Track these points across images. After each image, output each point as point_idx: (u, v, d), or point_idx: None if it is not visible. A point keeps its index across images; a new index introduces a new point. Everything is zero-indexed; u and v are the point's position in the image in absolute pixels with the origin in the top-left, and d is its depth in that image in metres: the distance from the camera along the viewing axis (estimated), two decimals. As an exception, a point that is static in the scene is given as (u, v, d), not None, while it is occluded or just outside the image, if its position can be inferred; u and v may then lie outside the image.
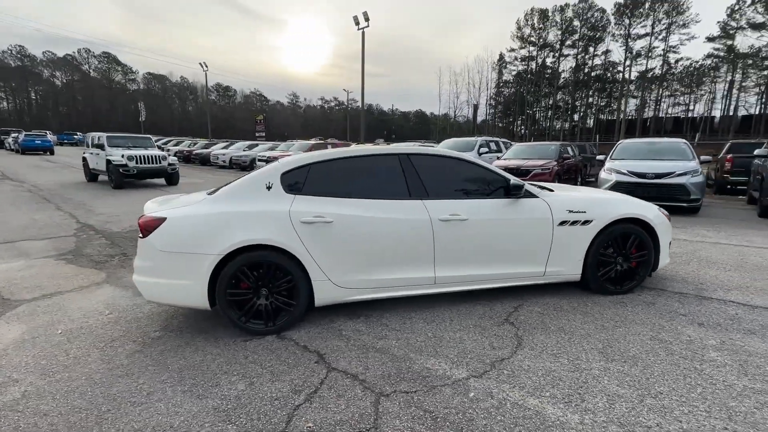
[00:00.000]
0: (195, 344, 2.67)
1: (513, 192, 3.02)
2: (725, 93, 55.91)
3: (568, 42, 61.17)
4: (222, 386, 2.17)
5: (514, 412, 1.85)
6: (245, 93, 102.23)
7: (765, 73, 50.91)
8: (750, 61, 51.47)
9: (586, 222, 3.10)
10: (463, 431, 1.74)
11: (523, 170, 10.30)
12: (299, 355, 2.47)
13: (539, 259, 3.10)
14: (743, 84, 53.56)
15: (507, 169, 10.53)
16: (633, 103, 60.65)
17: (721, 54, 53.45)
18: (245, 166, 19.92)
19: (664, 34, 54.62)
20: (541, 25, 61.79)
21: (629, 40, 56.91)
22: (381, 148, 3.18)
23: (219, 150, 22.65)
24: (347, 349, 2.52)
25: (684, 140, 8.93)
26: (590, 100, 64.54)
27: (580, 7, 58.48)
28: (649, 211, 3.27)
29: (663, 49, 55.32)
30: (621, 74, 59.74)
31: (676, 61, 56.91)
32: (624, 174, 7.82)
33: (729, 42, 51.78)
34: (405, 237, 2.86)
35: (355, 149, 3.12)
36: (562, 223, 3.06)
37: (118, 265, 4.55)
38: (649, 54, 56.43)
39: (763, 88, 52.10)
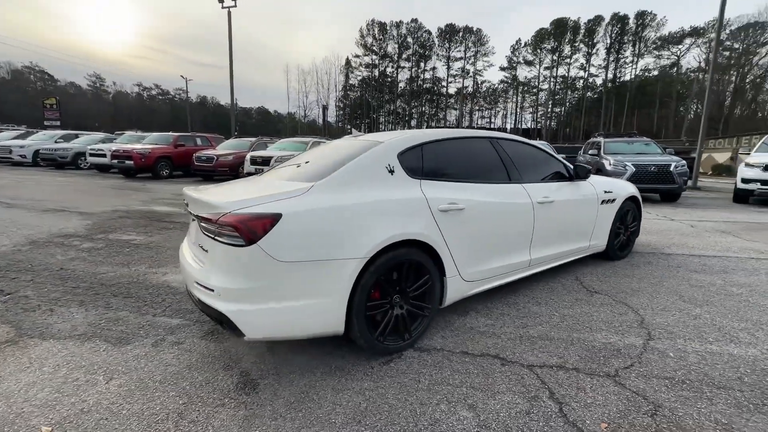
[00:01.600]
0: (327, 384, 1.95)
1: (583, 176, 3.34)
2: (513, 110, 73.53)
3: (404, 55, 68.93)
4: (443, 421, 1.68)
5: (718, 359, 2.10)
6: (15, 67, 75.39)
7: (534, 98, 69.38)
8: (525, 88, 69.25)
9: (612, 201, 3.69)
10: (715, 385, 1.88)
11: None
12: (476, 363, 2.12)
13: (588, 234, 3.52)
14: (523, 105, 71.62)
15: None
16: (454, 114, 73.17)
17: (509, 81, 70.03)
18: (64, 162, 14.91)
19: (473, 59, 67.81)
20: (380, 37, 67.53)
21: (450, 61, 68.31)
22: (473, 131, 2.99)
23: (12, 141, 16.21)
24: (511, 345, 2.30)
25: (544, 143, 11.43)
26: (423, 109, 74.43)
27: (412, 26, 66.69)
28: (636, 191, 4.14)
29: (473, 72, 68.65)
30: (445, 89, 71.20)
31: (482, 83, 71.62)
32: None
33: (513, 72, 68.33)
34: (516, 221, 2.79)
35: (451, 131, 2.84)
36: (603, 202, 3.56)
37: (15, 309, 2.85)
38: (464, 74, 69.10)
39: (533, 109, 70.89)
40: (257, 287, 1.81)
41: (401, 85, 71.54)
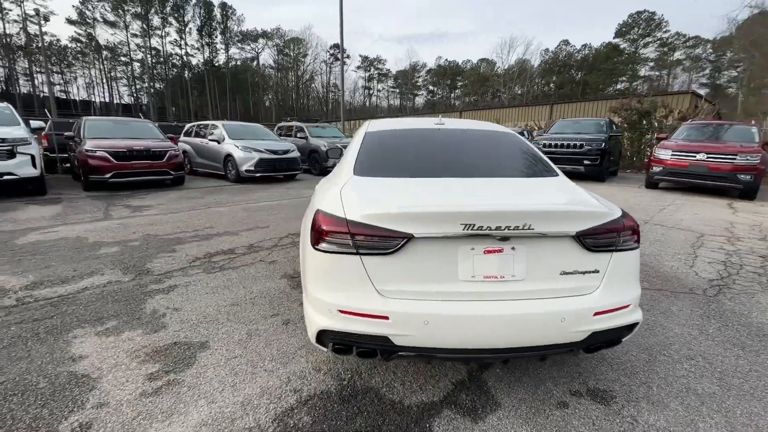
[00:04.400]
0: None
1: None
2: (101, 80, 59.63)
3: None
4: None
5: None
6: None
7: (125, 68, 59.68)
8: (112, 55, 57.81)
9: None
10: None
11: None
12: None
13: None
14: (114, 75, 59.77)
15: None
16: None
17: (85, 41, 55.42)
18: None
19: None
20: None
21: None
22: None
23: None
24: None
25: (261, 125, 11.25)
26: None
27: None
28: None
29: (21, 16, 48.17)
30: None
31: (36, 35, 51.79)
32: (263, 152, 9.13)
33: (90, 30, 54.58)
34: None
35: None
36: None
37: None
38: (3, 17, 47.12)
39: (130, 81, 61.11)
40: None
41: None
